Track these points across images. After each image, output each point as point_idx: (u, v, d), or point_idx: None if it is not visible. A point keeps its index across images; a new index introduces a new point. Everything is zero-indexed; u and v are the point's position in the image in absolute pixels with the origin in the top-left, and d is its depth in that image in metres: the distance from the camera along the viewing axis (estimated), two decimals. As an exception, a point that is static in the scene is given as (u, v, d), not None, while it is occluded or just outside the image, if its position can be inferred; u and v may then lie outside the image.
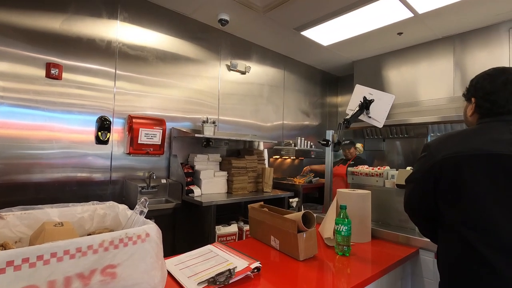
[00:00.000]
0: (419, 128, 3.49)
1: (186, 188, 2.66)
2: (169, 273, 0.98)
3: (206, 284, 0.91)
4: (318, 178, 3.72)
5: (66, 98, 2.28)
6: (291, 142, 3.87)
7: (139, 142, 2.53)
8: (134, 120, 2.52)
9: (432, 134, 3.49)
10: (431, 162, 0.96)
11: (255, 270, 1.04)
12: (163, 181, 2.74)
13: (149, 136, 2.59)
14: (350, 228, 1.29)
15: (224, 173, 2.96)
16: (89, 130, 2.39)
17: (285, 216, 1.26)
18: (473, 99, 1.02)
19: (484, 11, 2.73)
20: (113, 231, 0.76)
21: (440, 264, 0.99)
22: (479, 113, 1.00)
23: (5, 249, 0.66)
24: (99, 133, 2.40)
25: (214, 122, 2.83)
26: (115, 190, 2.53)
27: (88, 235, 0.84)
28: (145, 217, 0.84)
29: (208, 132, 2.76)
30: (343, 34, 3.30)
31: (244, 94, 3.57)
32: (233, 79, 3.45)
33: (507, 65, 1.04)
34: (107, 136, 2.43)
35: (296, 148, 3.74)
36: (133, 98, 2.64)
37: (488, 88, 0.97)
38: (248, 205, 1.53)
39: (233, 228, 2.62)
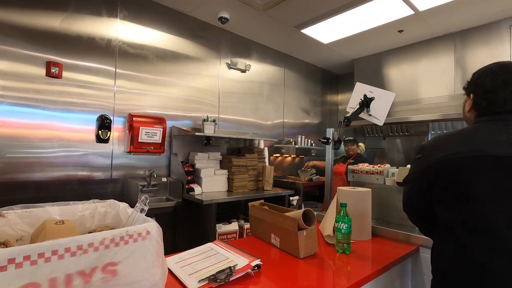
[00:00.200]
0: (419, 126, 3.49)
1: (186, 186, 2.66)
2: (170, 270, 0.99)
3: (207, 282, 0.92)
4: (318, 176, 3.73)
5: (66, 96, 2.28)
6: (291, 140, 3.87)
7: (139, 140, 2.53)
8: (134, 118, 2.52)
9: (432, 132, 3.50)
10: (427, 163, 0.95)
11: (256, 268, 1.04)
12: (164, 179, 2.74)
13: (150, 134, 2.59)
14: (351, 226, 1.29)
15: (225, 172, 2.96)
16: (90, 128, 2.39)
17: (285, 214, 1.27)
18: (471, 95, 1.00)
19: (485, 8, 2.72)
20: (114, 229, 0.77)
21: (434, 264, 0.99)
22: (476, 110, 0.99)
23: (6, 247, 0.66)
24: (100, 131, 2.40)
25: (214, 121, 2.83)
26: (116, 188, 2.54)
27: (89, 233, 0.84)
28: (146, 215, 0.84)
29: (209, 130, 2.76)
30: (343, 32, 3.29)
31: (244, 92, 3.56)
32: (233, 77, 3.45)
33: (508, 63, 1.02)
34: (108, 135, 2.44)
35: (297, 146, 3.74)
36: (133, 97, 2.64)
37: (488, 85, 0.95)
38: (249, 203, 1.53)
39: (233, 226, 2.63)
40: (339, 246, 1.30)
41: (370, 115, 1.82)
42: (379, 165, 1.86)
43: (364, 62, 4.12)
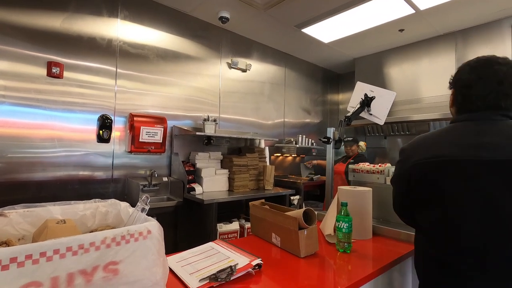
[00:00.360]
0: (420, 125, 3.49)
1: (187, 186, 2.67)
2: (171, 270, 0.99)
3: (208, 281, 0.92)
4: (319, 175, 3.73)
5: (67, 96, 2.28)
6: (292, 139, 3.87)
7: (140, 140, 2.54)
8: (135, 118, 2.52)
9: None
10: (403, 168, 0.99)
11: (257, 267, 1.04)
12: (165, 179, 2.75)
13: (150, 134, 2.60)
14: (351, 225, 1.29)
15: (225, 171, 2.96)
16: (91, 128, 2.40)
17: (286, 213, 1.27)
18: (452, 90, 1.01)
19: (486, 7, 2.72)
20: (115, 228, 0.77)
21: (415, 263, 1.03)
22: (455, 106, 0.99)
23: (8, 246, 0.66)
24: (101, 131, 2.40)
25: (215, 120, 2.83)
26: (117, 188, 2.54)
27: (90, 232, 0.85)
28: (146, 215, 0.84)
29: (209, 130, 2.77)
30: (344, 31, 3.28)
31: (245, 92, 3.56)
32: (234, 77, 3.45)
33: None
34: (109, 135, 2.44)
35: (297, 145, 3.74)
36: (134, 97, 2.64)
37: (464, 80, 0.94)
38: (249, 203, 1.53)
39: (234, 225, 2.63)
40: (340, 246, 1.30)
41: (371, 114, 1.82)
42: (380, 164, 1.85)
43: (365, 61, 4.12)
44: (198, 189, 2.70)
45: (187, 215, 2.76)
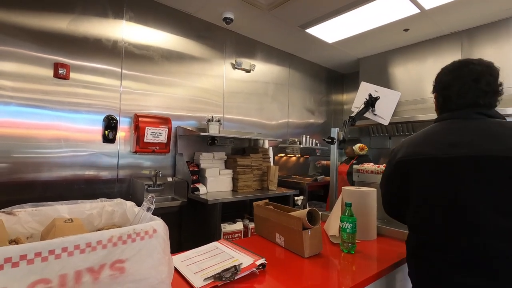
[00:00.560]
0: (425, 125, 3.45)
1: (191, 186, 2.68)
2: (175, 269, 1.00)
3: (212, 280, 0.92)
4: (323, 176, 3.72)
5: (73, 97, 2.31)
6: (296, 140, 3.87)
7: (145, 140, 2.56)
8: (140, 119, 2.55)
9: (438, 132, 3.46)
10: (390, 165, 1.05)
11: (261, 267, 1.04)
12: (169, 179, 2.76)
13: (155, 134, 2.61)
14: (355, 225, 1.29)
15: (230, 171, 2.97)
16: (96, 129, 2.42)
17: (290, 213, 1.27)
18: (435, 93, 1.06)
19: (492, 7, 2.69)
20: (121, 227, 0.78)
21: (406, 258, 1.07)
22: (438, 108, 1.04)
23: (17, 244, 0.68)
24: (106, 132, 2.43)
25: (219, 121, 2.84)
26: (122, 188, 2.57)
27: (97, 231, 0.86)
28: (151, 215, 0.85)
29: (213, 130, 2.78)
30: (348, 31, 3.28)
31: (249, 93, 3.57)
32: (238, 78, 3.46)
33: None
34: (114, 135, 2.46)
35: (301, 146, 3.74)
36: (139, 97, 2.67)
37: (444, 82, 1.00)
38: (253, 203, 1.53)
39: (238, 225, 2.64)
40: (344, 246, 1.30)
41: (375, 114, 1.81)
42: (384, 164, 1.84)
43: (369, 61, 4.10)
44: (202, 189, 2.71)
45: (191, 215, 2.77)
